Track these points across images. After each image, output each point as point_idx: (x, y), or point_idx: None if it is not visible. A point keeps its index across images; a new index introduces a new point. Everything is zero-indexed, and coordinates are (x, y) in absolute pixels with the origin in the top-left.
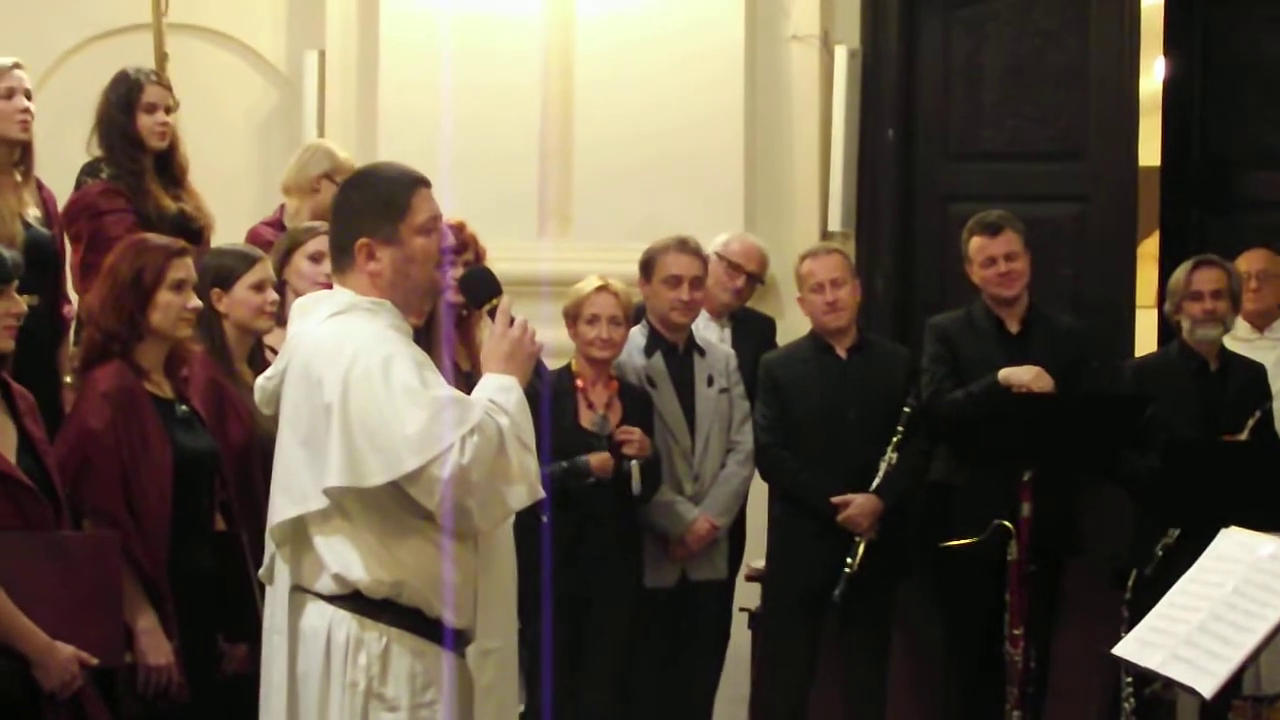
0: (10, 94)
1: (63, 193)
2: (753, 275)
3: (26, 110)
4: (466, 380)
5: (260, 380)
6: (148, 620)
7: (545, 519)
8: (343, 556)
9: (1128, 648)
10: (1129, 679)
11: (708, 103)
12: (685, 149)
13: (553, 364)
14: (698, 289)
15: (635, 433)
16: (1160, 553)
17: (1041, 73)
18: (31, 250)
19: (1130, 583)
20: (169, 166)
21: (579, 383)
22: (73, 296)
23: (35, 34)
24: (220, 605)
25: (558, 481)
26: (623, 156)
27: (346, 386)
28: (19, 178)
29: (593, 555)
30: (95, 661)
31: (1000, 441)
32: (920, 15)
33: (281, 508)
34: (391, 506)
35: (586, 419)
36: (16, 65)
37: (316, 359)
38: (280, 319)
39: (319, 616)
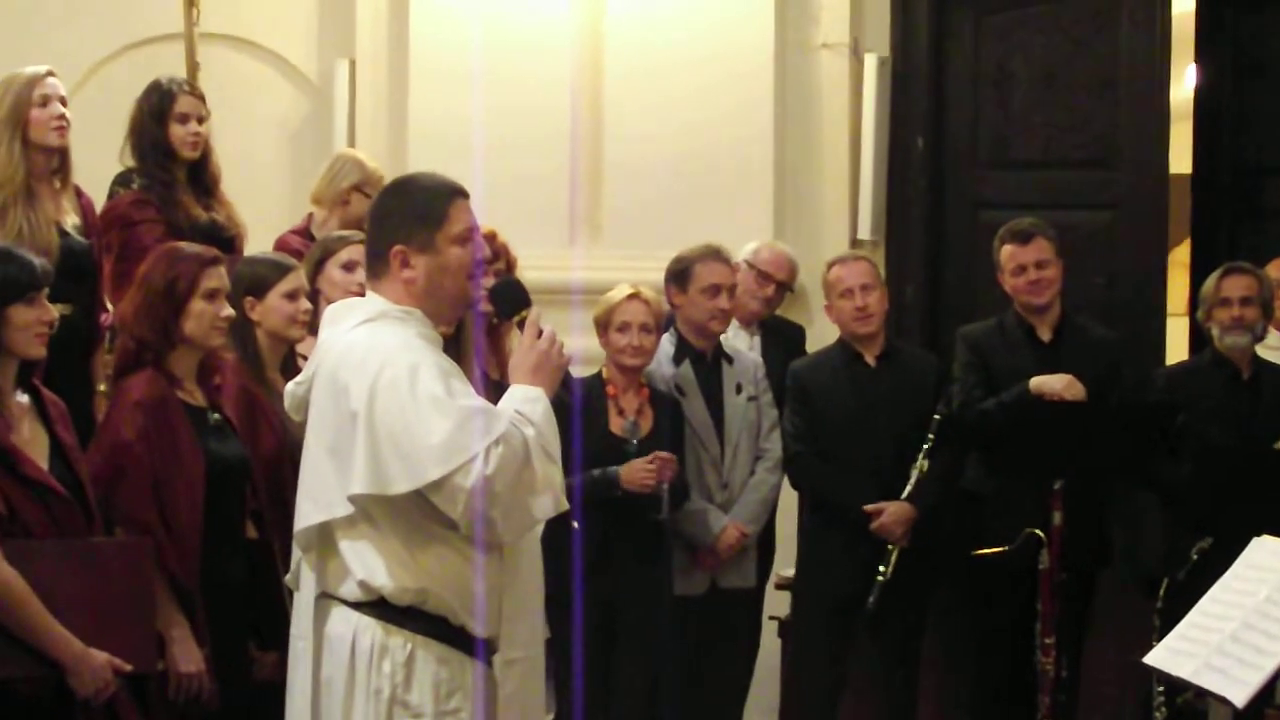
0: (45, 101)
1: (97, 201)
2: (782, 284)
3: (62, 117)
4: (497, 389)
5: (290, 386)
6: (179, 628)
7: (576, 525)
8: (368, 563)
9: (1159, 657)
10: (1160, 688)
11: (737, 111)
12: (715, 157)
13: (582, 372)
14: (732, 297)
15: (670, 462)
16: (1194, 557)
17: (1072, 80)
18: (67, 259)
19: (1162, 592)
20: (201, 176)
21: (610, 390)
22: (110, 305)
23: (68, 43)
24: (251, 612)
25: (586, 490)
26: (653, 165)
27: (373, 394)
28: (57, 185)
29: (622, 563)
30: (129, 668)
31: (1032, 450)
32: (950, 22)
33: (306, 513)
34: (417, 514)
35: (617, 426)
36: (50, 73)
37: (344, 366)
38: (313, 327)
39: (344, 623)
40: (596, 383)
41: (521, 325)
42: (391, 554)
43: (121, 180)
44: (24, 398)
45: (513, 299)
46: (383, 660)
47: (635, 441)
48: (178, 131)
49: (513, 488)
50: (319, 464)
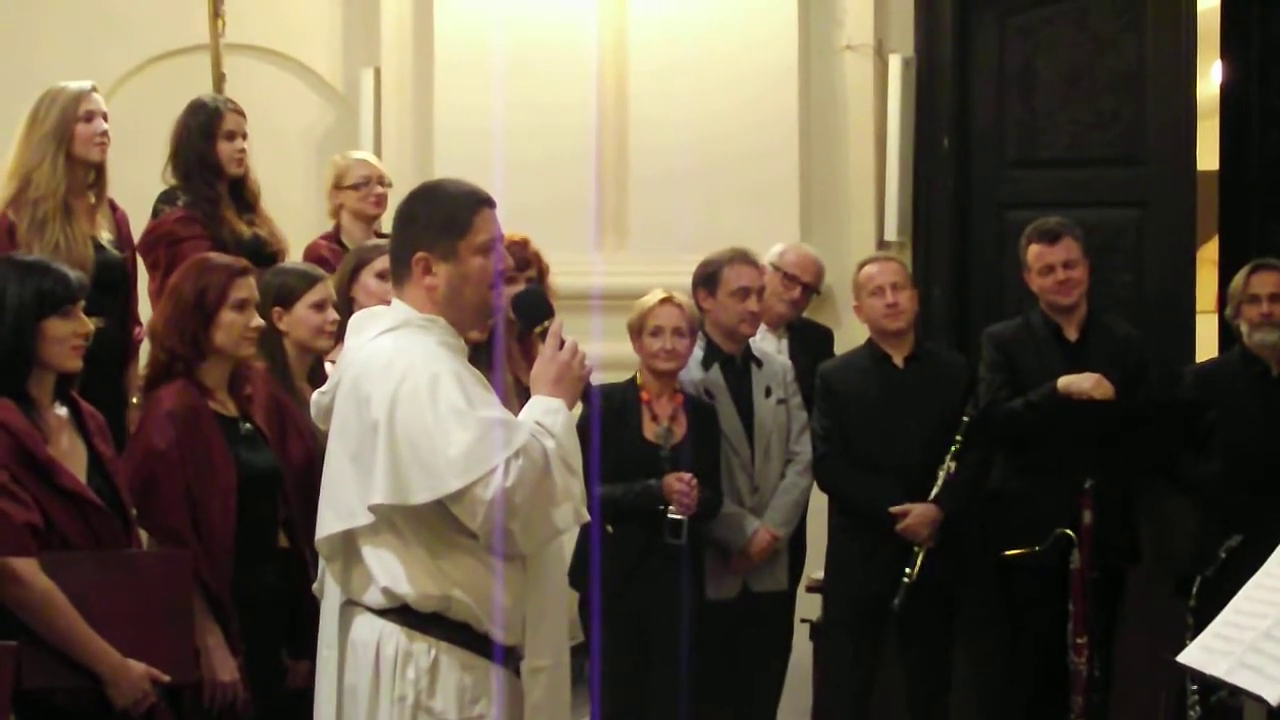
0: (90, 117)
1: (130, 214)
2: (808, 286)
3: (105, 133)
4: (528, 396)
5: (315, 395)
6: (213, 637)
7: (610, 530)
8: (392, 570)
9: (1193, 655)
10: (1194, 687)
11: (762, 113)
12: (740, 160)
13: (608, 378)
14: (760, 300)
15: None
16: (1223, 555)
17: (1097, 78)
18: (102, 272)
19: (1194, 590)
20: (242, 193)
21: (643, 395)
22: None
23: (94, 57)
24: (284, 621)
25: (629, 502)
26: (678, 169)
27: (394, 404)
28: (92, 199)
29: (654, 568)
30: (167, 679)
31: (1060, 449)
32: (974, 22)
33: (328, 522)
34: (439, 523)
35: (651, 432)
36: (94, 88)
37: (366, 375)
38: (341, 336)
39: (368, 629)
40: (631, 388)
41: (543, 336)
42: (415, 561)
43: (166, 198)
44: (63, 410)
45: (535, 309)
46: (407, 667)
47: (669, 447)
48: (225, 148)
49: (532, 500)
50: (341, 472)
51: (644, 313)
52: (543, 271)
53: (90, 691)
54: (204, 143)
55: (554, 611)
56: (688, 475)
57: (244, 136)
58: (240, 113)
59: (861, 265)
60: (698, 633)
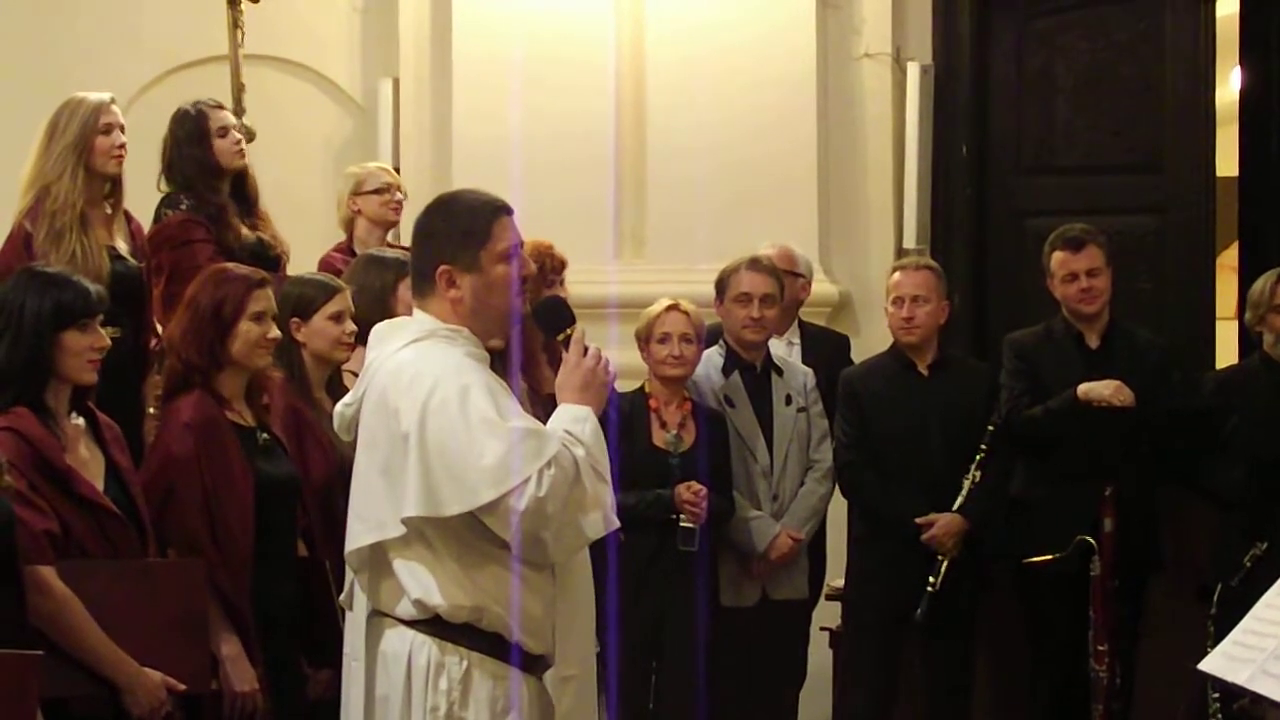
0: (108, 129)
1: (145, 224)
2: (789, 272)
3: (122, 145)
4: (545, 406)
5: (339, 407)
6: (231, 647)
7: (622, 536)
8: (423, 582)
9: (1214, 663)
10: (1215, 694)
11: (780, 122)
12: (758, 169)
13: (627, 387)
14: (769, 306)
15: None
16: (1248, 564)
17: (1116, 85)
18: (119, 282)
19: (1215, 598)
20: (243, 193)
21: (652, 403)
22: (159, 326)
23: (114, 68)
24: (303, 631)
25: (642, 510)
26: (696, 178)
27: (424, 416)
28: (108, 210)
29: (667, 575)
30: (182, 687)
31: (1080, 456)
32: (992, 30)
33: (358, 534)
34: (470, 534)
35: (660, 439)
36: (113, 100)
37: (394, 387)
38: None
39: (399, 641)
40: (639, 397)
41: (566, 344)
42: (446, 572)
43: (169, 202)
44: (79, 420)
45: (557, 317)
46: (439, 678)
47: (678, 453)
48: (221, 146)
49: (564, 508)
50: (371, 485)
51: (650, 320)
52: (558, 266)
53: (106, 700)
54: (198, 148)
55: (582, 620)
56: (697, 485)
57: (236, 129)
58: (222, 107)
59: (893, 269)
60: (713, 640)
